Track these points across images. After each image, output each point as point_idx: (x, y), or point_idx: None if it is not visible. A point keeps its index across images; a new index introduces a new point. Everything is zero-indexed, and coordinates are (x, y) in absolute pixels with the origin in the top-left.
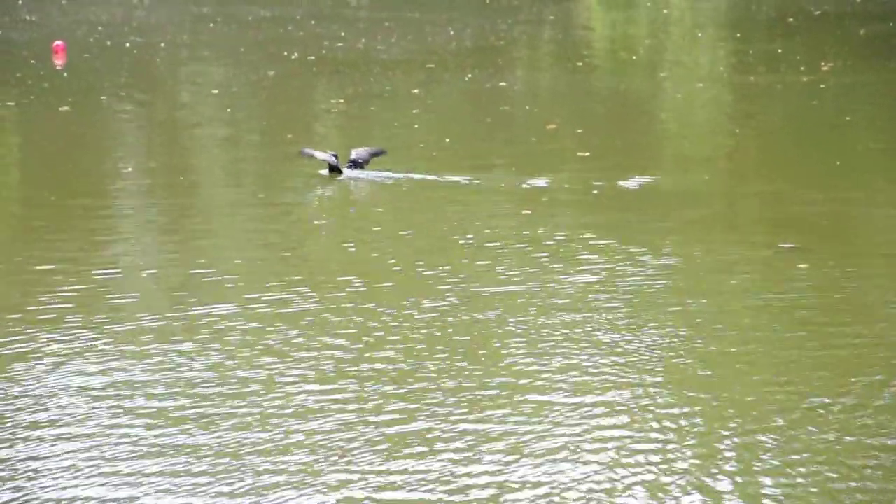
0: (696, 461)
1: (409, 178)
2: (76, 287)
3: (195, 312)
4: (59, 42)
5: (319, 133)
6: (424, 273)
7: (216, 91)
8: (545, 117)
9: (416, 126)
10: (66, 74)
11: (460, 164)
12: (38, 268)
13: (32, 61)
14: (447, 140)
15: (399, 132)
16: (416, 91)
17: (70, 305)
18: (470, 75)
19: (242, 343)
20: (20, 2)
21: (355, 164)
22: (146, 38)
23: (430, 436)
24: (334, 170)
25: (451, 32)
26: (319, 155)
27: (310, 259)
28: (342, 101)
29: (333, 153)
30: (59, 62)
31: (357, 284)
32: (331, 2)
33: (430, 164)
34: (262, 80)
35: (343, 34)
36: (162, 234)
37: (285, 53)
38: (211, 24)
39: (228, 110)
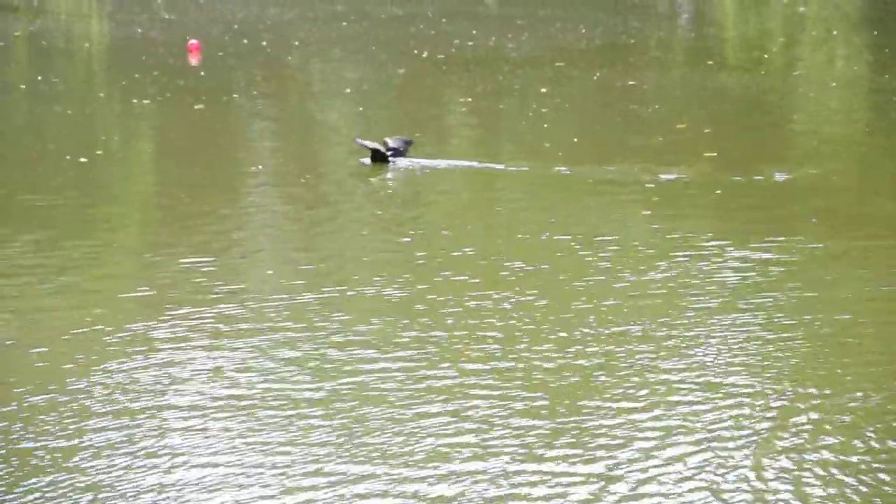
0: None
1: (520, 172)
2: (201, 276)
3: (325, 296)
4: (194, 41)
5: (447, 130)
6: (563, 266)
7: (348, 90)
8: (674, 117)
9: (545, 125)
10: (202, 73)
11: (587, 162)
12: (176, 259)
13: (169, 59)
14: (575, 139)
15: (527, 130)
16: (544, 90)
17: (197, 294)
18: (599, 74)
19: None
20: (158, 0)
21: (396, 153)
22: (280, 36)
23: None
24: (378, 158)
25: (583, 30)
26: (369, 144)
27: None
28: (470, 98)
29: (381, 142)
30: (194, 60)
31: (502, 274)
32: (464, 0)
33: (557, 161)
34: (392, 78)
35: (474, 32)
36: (289, 224)
37: (415, 51)
38: (343, 23)
39: (360, 109)
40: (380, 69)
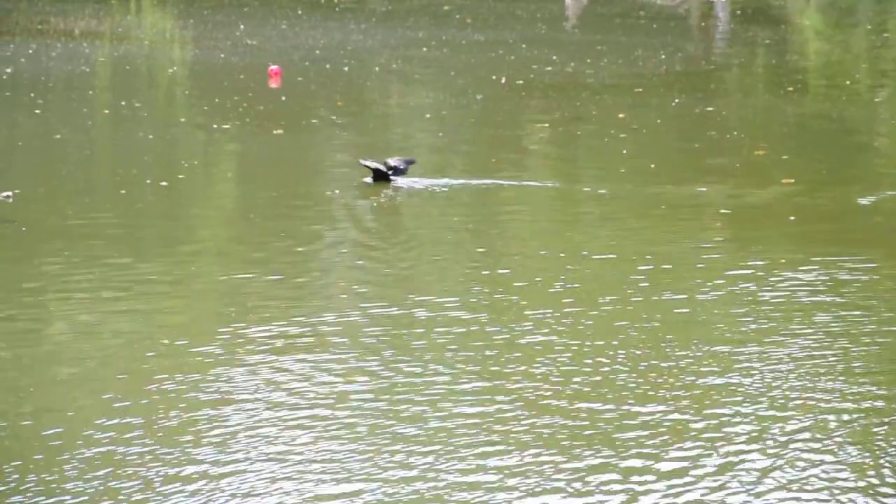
0: None
1: (602, 195)
2: (281, 296)
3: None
4: (275, 66)
5: (523, 156)
6: (637, 288)
7: (428, 115)
8: (753, 143)
9: (623, 151)
10: (283, 98)
11: (664, 186)
12: (255, 280)
13: (250, 84)
14: (652, 165)
15: (604, 156)
16: (621, 115)
17: (276, 312)
18: (678, 99)
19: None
20: (241, 26)
21: (397, 171)
22: (361, 62)
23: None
24: (380, 178)
25: (663, 56)
26: (370, 164)
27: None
28: (547, 124)
29: (382, 162)
30: (274, 85)
31: (577, 294)
32: (545, 26)
33: (634, 186)
34: (470, 104)
35: (554, 58)
36: (368, 246)
37: (494, 77)
38: (424, 49)
39: (440, 134)
40: (459, 95)
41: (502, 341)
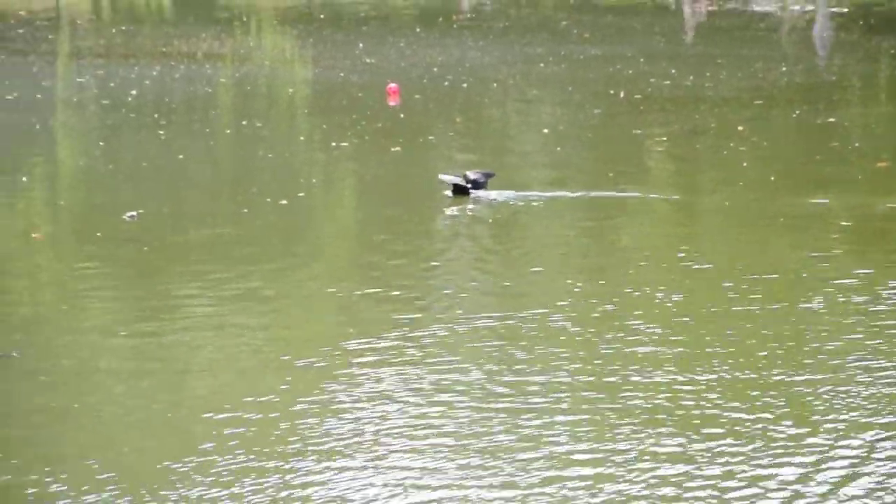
0: None
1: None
2: (400, 309)
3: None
4: (393, 84)
5: (641, 170)
6: (749, 299)
7: (545, 130)
8: (875, 154)
9: (744, 164)
10: (401, 115)
11: (783, 200)
12: (376, 295)
13: (368, 102)
14: (772, 178)
15: (723, 168)
16: (740, 128)
17: (398, 325)
18: (798, 111)
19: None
20: (360, 45)
21: (476, 185)
22: (479, 78)
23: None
24: (459, 191)
25: (783, 69)
26: (448, 178)
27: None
28: (665, 138)
29: (462, 175)
30: (393, 103)
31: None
32: (664, 39)
33: (753, 198)
34: (588, 119)
35: (673, 71)
36: (487, 261)
37: (611, 91)
38: (541, 64)
39: (558, 149)
40: (576, 109)
41: (618, 353)
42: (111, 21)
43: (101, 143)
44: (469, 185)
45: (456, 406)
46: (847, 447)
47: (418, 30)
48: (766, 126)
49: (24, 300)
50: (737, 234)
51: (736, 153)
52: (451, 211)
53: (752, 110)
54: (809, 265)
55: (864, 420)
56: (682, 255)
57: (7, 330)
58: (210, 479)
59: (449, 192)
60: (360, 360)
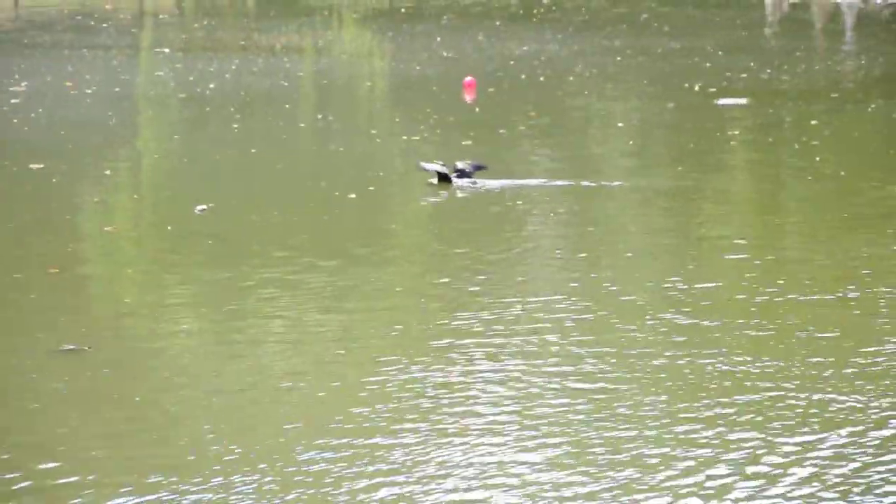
0: None
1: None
2: (476, 303)
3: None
4: (469, 78)
5: (711, 164)
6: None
7: (620, 124)
8: None
9: (816, 158)
10: (476, 109)
11: (854, 193)
12: (451, 288)
13: (443, 97)
14: (842, 173)
15: (793, 162)
16: (814, 122)
17: (472, 318)
18: (874, 104)
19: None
20: (438, 39)
21: (462, 174)
22: (555, 71)
23: None
24: (443, 179)
25: (862, 61)
26: (429, 166)
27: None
28: (738, 131)
29: (442, 163)
30: (469, 97)
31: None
32: (745, 32)
33: (823, 191)
34: (662, 113)
35: (751, 64)
36: (563, 249)
37: (686, 85)
38: (618, 57)
39: (630, 142)
40: (651, 103)
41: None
42: (194, 16)
43: (175, 137)
44: (456, 175)
45: (542, 400)
46: None
47: (498, 23)
48: (840, 119)
49: (98, 294)
50: (808, 227)
51: (808, 147)
52: (518, 203)
53: (827, 103)
54: (882, 259)
55: None
56: (756, 249)
57: (79, 324)
58: (292, 467)
59: (434, 180)
60: (452, 368)
